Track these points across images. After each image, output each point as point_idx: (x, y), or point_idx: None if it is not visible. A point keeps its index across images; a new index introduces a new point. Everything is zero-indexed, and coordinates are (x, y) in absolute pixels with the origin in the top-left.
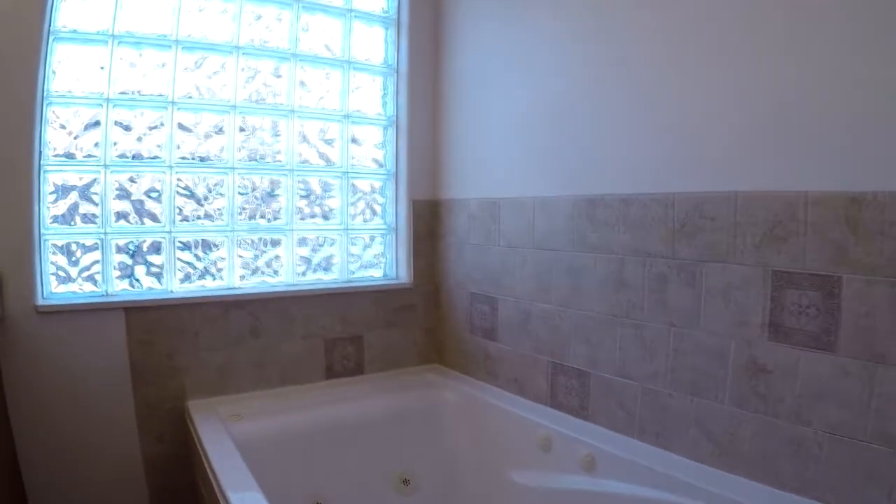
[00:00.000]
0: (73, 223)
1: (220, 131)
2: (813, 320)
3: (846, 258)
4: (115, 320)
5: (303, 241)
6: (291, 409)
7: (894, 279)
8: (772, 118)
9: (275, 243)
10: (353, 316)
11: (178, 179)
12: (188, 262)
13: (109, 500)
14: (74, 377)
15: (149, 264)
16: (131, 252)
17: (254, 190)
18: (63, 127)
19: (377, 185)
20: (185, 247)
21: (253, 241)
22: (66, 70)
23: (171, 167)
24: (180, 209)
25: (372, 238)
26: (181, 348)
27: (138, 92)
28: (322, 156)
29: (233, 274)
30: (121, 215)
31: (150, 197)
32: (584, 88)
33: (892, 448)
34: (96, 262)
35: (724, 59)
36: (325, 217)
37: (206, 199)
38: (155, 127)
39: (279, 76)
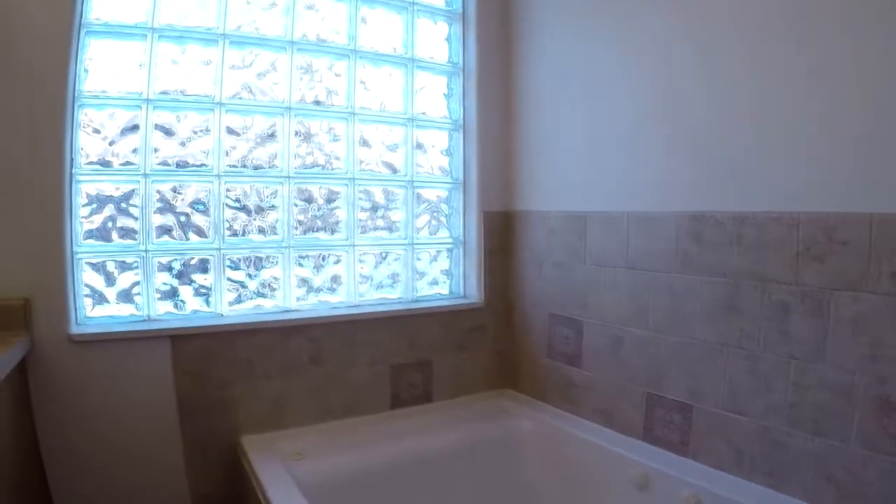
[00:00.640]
0: (109, 239)
1: (272, 136)
2: None
3: None
4: (160, 349)
5: (364, 257)
6: (356, 444)
7: None
8: None
9: (334, 259)
10: (421, 339)
11: (228, 190)
12: (239, 282)
13: None
14: (114, 414)
15: (195, 284)
16: (175, 271)
17: (311, 201)
18: (97, 131)
19: (443, 194)
20: (236, 265)
21: (308, 257)
22: (100, 68)
23: (219, 176)
24: (230, 223)
25: (437, 253)
26: (234, 379)
27: (181, 92)
28: (385, 163)
29: (288, 294)
30: (163, 230)
31: (195, 209)
32: (695, 92)
33: None
34: (136, 282)
35: (861, 65)
36: (389, 230)
37: (258, 211)
38: (200, 131)
39: (338, 75)
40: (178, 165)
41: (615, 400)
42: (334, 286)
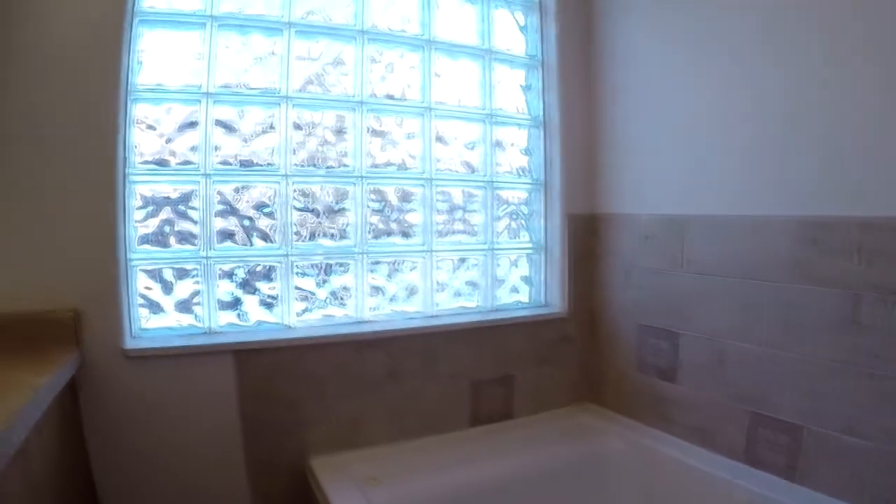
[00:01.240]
0: (166, 245)
1: (342, 132)
2: None
3: None
4: (223, 365)
5: (441, 263)
6: (434, 467)
7: None
8: None
9: (409, 266)
10: (503, 352)
11: (295, 191)
12: (308, 291)
13: None
14: (172, 435)
15: (260, 294)
16: (239, 279)
17: (385, 203)
18: (153, 128)
19: (523, 196)
20: (304, 272)
21: (381, 263)
22: (155, 60)
23: (285, 176)
24: (297, 227)
25: (517, 258)
26: (304, 397)
27: (244, 85)
28: (463, 163)
29: (361, 304)
30: (225, 234)
31: (260, 212)
32: (819, 90)
33: None
34: (196, 291)
35: None
36: (467, 234)
37: (328, 214)
38: (265, 127)
39: (412, 67)
40: (241, 164)
41: (714, 418)
42: (409, 295)
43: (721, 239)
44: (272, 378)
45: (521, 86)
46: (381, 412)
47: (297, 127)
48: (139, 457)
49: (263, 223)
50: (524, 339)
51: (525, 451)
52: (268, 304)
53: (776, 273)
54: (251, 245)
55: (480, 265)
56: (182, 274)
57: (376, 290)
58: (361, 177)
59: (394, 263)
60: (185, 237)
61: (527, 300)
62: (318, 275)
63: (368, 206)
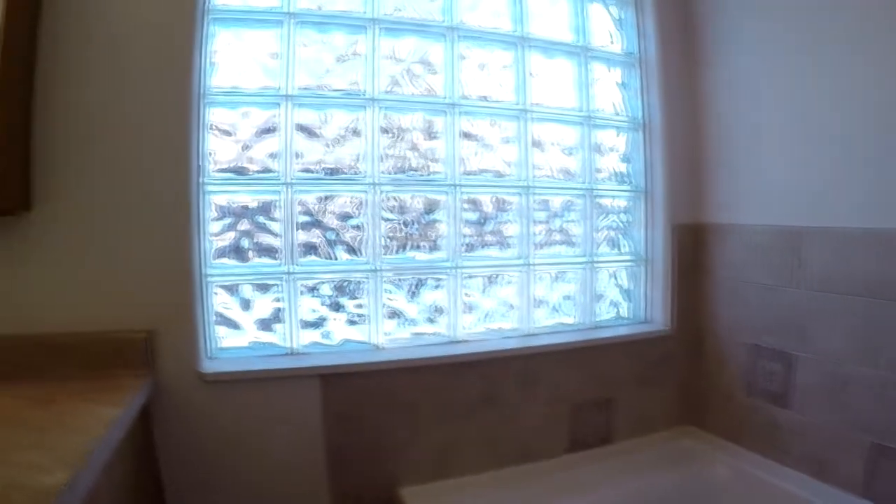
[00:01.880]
0: (245, 259)
1: (433, 136)
2: None
3: None
4: (307, 389)
5: (539, 277)
6: (532, 498)
7: None
8: None
9: (505, 280)
10: (603, 372)
11: (385, 199)
12: (398, 308)
13: None
14: (252, 464)
15: (346, 311)
16: (323, 296)
17: (480, 213)
18: (228, 133)
19: (622, 204)
20: (392, 287)
21: (473, 277)
22: (229, 61)
23: (374, 184)
24: (386, 239)
25: (616, 271)
26: (394, 423)
27: (326, 87)
28: (560, 169)
29: (455, 321)
30: (308, 247)
31: (346, 223)
32: None
33: None
34: (278, 309)
35: None
36: (565, 245)
37: (418, 225)
38: (349, 132)
39: (505, 66)
40: (324, 172)
41: (830, 448)
42: (505, 311)
43: (844, 253)
44: (360, 403)
45: (619, 85)
46: (474, 439)
47: (385, 131)
48: (217, 490)
49: (349, 235)
50: (625, 359)
51: (625, 479)
52: (354, 322)
53: None
54: (336, 259)
55: (579, 279)
56: (262, 290)
57: (469, 306)
58: (454, 185)
59: (489, 278)
60: (265, 250)
61: (627, 316)
62: (408, 291)
63: (462, 217)
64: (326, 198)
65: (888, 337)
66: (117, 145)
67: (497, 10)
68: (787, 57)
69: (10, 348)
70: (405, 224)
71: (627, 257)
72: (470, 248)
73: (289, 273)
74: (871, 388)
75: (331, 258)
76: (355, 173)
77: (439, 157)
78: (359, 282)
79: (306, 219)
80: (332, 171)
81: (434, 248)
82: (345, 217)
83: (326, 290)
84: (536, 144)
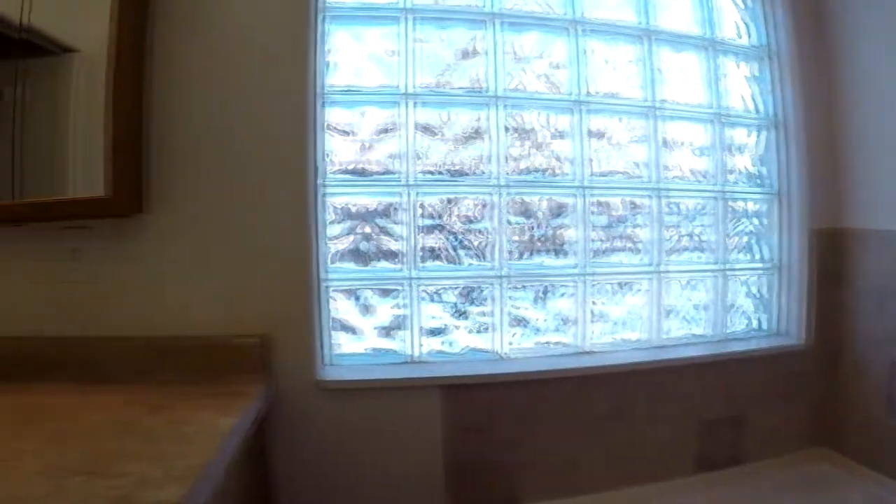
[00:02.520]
0: (364, 263)
1: (561, 135)
2: None
3: None
4: (428, 400)
5: (671, 285)
6: None
7: None
8: None
9: (634, 288)
10: (735, 388)
11: (510, 202)
12: (522, 316)
13: None
14: (367, 475)
15: (469, 318)
16: (446, 302)
17: (609, 216)
18: (347, 134)
19: (755, 208)
20: (518, 294)
21: (600, 284)
22: (345, 59)
23: (499, 186)
24: (511, 244)
25: (747, 279)
26: (518, 436)
27: (447, 85)
28: (691, 170)
29: (582, 331)
30: (430, 252)
31: (471, 227)
32: None
33: None
34: (398, 315)
35: None
36: (697, 251)
37: (543, 228)
38: (471, 131)
39: (630, 62)
40: (448, 174)
41: None
42: (633, 320)
43: None
44: (483, 415)
45: (750, 80)
46: (600, 455)
47: (509, 131)
48: (333, 497)
49: (473, 239)
50: (758, 374)
51: None
52: (478, 330)
53: None
54: (459, 263)
55: (711, 287)
56: (383, 295)
57: (598, 315)
58: (583, 186)
59: (618, 285)
60: (386, 254)
61: (760, 327)
62: (534, 298)
63: (590, 220)
64: (450, 200)
65: None
66: (233, 148)
67: (620, 1)
68: None
69: (123, 350)
70: (531, 228)
71: (761, 265)
72: (597, 253)
73: (410, 278)
74: None
75: (454, 263)
76: (479, 174)
77: (566, 157)
78: (483, 288)
79: (428, 222)
80: (455, 173)
81: (561, 253)
82: (469, 220)
83: (449, 296)
84: (666, 144)
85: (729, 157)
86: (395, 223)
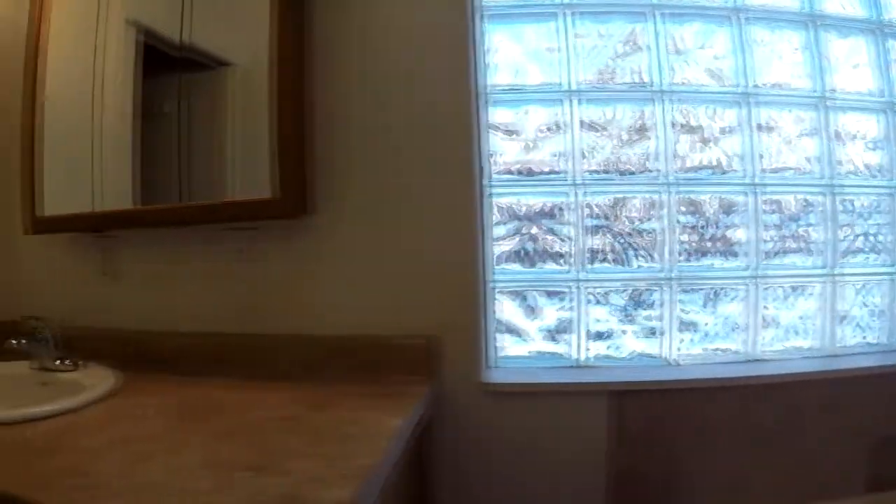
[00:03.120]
0: (530, 264)
1: (727, 131)
2: None
3: None
4: (594, 406)
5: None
6: None
7: None
8: None
9: (805, 291)
10: None
11: (680, 201)
12: (693, 321)
13: None
14: (527, 482)
15: (637, 323)
16: (613, 305)
17: (780, 216)
18: (510, 133)
19: None
20: (687, 298)
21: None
22: (504, 58)
23: (667, 184)
24: (682, 245)
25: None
26: (684, 450)
27: (610, 80)
28: (864, 164)
29: (753, 337)
30: (595, 253)
31: (638, 227)
32: None
33: None
34: (564, 318)
35: None
36: (871, 252)
37: (712, 228)
38: (636, 128)
39: (796, 50)
40: (615, 172)
41: None
42: (804, 326)
43: None
44: (649, 424)
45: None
46: (767, 471)
47: (675, 126)
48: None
49: (640, 240)
50: None
51: None
52: (645, 335)
53: None
54: (627, 265)
55: (887, 291)
56: (548, 297)
57: (769, 320)
58: (754, 184)
59: (790, 289)
60: (551, 256)
61: None
62: (703, 302)
63: (762, 220)
64: (616, 200)
65: None
66: (396, 149)
67: None
68: None
69: (289, 348)
70: (700, 227)
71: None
72: (768, 255)
73: (578, 280)
74: None
75: (622, 264)
76: (646, 172)
77: (735, 153)
78: (651, 290)
79: (595, 222)
80: (621, 171)
81: (730, 254)
82: (636, 220)
83: (616, 298)
84: (838, 136)
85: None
86: (562, 223)
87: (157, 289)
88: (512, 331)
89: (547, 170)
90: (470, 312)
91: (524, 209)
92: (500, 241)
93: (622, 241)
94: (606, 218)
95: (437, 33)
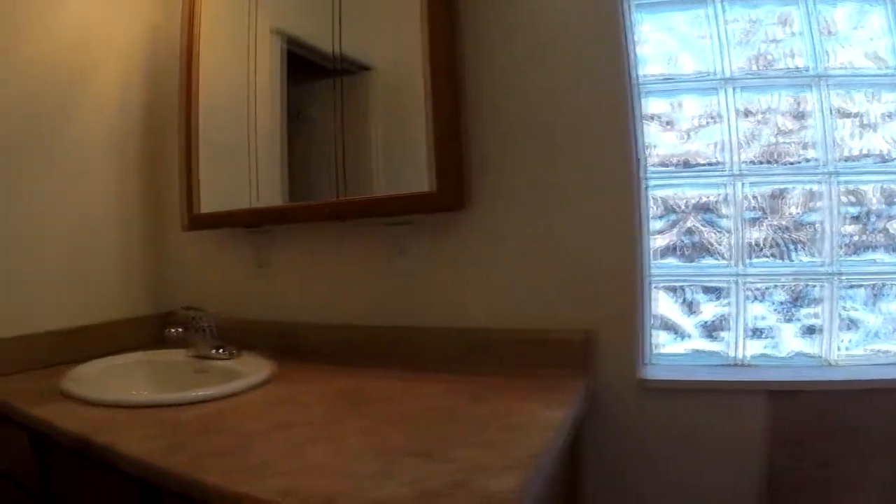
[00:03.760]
0: (689, 258)
1: (890, 116)
2: None
3: None
4: (751, 407)
5: None
6: None
7: None
8: None
9: None
10: None
11: (842, 192)
12: (856, 320)
13: None
14: (678, 482)
15: (798, 320)
16: (774, 302)
17: None
18: (665, 123)
19: None
20: (848, 294)
21: None
22: (656, 47)
23: (828, 174)
24: (842, 238)
25: None
26: (842, 455)
27: (766, 66)
28: None
29: None
30: (753, 246)
31: (799, 219)
32: None
33: None
34: (722, 315)
35: None
36: None
37: (876, 220)
38: (795, 114)
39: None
40: (774, 163)
41: None
42: None
43: None
44: (808, 426)
45: None
46: None
47: (833, 111)
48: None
49: (801, 234)
50: None
51: None
52: (805, 334)
53: None
54: (789, 260)
55: None
56: (706, 293)
57: None
58: None
59: None
60: (709, 250)
61: None
62: (865, 299)
63: None
64: (776, 191)
65: None
66: (550, 142)
67: None
68: None
69: (444, 341)
70: (864, 219)
71: None
72: None
73: (737, 275)
74: None
75: (782, 259)
76: (805, 162)
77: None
78: (812, 286)
79: (754, 214)
80: (779, 161)
81: (893, 248)
82: (796, 212)
83: (776, 294)
84: None
85: None
86: (720, 216)
87: (308, 281)
88: (668, 326)
89: (703, 161)
90: (628, 307)
91: (682, 201)
92: (658, 234)
93: (782, 234)
94: (765, 210)
95: (588, 24)
